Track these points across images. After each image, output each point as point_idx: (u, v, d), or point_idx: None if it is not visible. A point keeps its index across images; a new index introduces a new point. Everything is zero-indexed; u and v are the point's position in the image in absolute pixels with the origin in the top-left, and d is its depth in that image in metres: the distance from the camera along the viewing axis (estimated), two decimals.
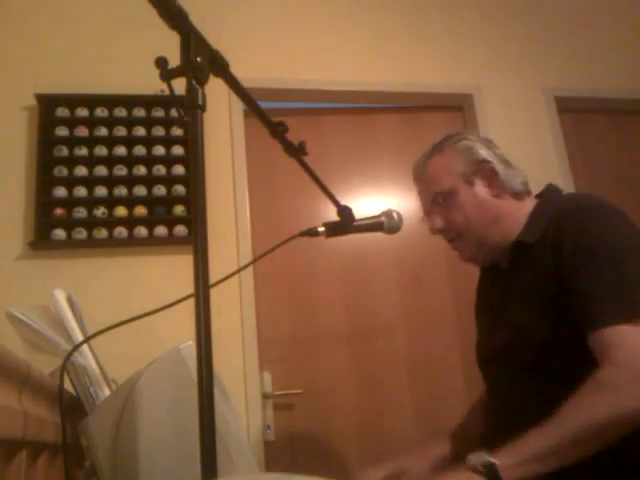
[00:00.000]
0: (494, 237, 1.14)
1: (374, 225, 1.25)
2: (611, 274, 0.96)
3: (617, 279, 0.95)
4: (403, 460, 1.19)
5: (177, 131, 2.37)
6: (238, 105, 2.45)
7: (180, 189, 2.31)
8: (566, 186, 2.53)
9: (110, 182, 2.27)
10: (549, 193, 1.19)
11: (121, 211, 2.24)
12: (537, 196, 1.21)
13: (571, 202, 1.09)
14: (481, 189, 1.15)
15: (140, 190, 2.27)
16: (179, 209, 2.29)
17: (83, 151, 2.27)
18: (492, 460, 0.85)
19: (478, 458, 0.86)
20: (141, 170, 2.29)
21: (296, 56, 2.62)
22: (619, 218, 1.04)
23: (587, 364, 0.96)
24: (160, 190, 2.29)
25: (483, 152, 1.16)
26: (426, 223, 1.22)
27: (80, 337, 1.01)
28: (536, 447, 0.86)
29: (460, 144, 1.18)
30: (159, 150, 2.33)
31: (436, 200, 1.17)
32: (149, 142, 2.34)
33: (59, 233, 2.16)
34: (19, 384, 0.75)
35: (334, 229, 1.21)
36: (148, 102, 2.35)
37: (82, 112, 2.31)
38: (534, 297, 1.05)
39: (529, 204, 1.17)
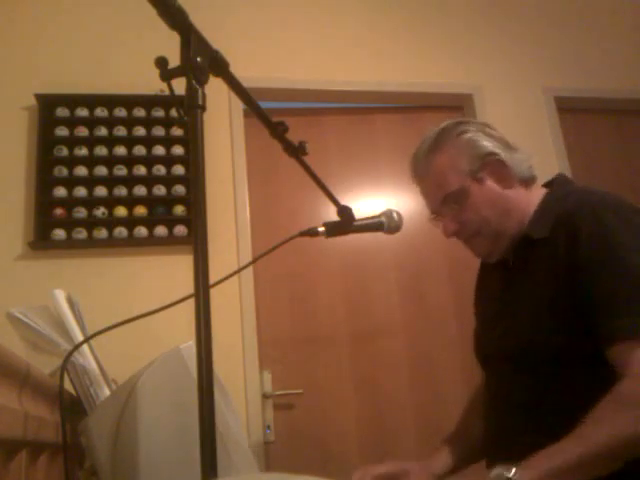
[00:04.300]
0: (510, 229, 1.10)
1: (374, 225, 1.24)
2: (630, 284, 0.92)
3: (637, 289, 0.91)
4: (405, 464, 1.13)
5: (177, 131, 2.37)
6: (238, 105, 2.45)
7: (180, 189, 2.31)
8: None
9: (110, 182, 2.27)
10: (559, 185, 1.14)
11: (121, 211, 2.24)
12: (545, 185, 1.17)
13: (587, 201, 1.02)
14: (491, 184, 1.10)
15: (140, 190, 2.27)
16: (179, 209, 2.29)
17: (83, 151, 2.27)
18: (510, 476, 0.81)
19: (501, 471, 0.82)
20: (141, 170, 2.29)
21: (296, 56, 2.62)
22: (638, 218, 0.98)
23: (595, 370, 0.95)
24: (160, 190, 2.29)
25: (487, 143, 1.11)
26: (436, 223, 1.18)
27: (80, 337, 1.01)
28: (557, 462, 0.82)
29: (462, 138, 1.12)
30: (159, 150, 2.33)
31: (446, 202, 1.12)
32: (149, 142, 2.34)
33: (59, 233, 2.16)
34: (19, 384, 0.75)
35: (334, 229, 1.20)
36: (148, 102, 2.35)
37: (82, 112, 2.31)
38: (543, 298, 1.01)
39: (537, 193, 1.12)
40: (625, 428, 0.83)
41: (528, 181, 1.14)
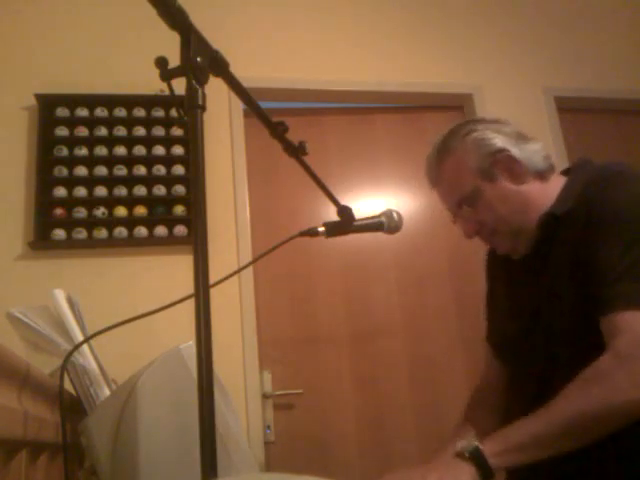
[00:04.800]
0: (529, 225, 1.07)
1: (374, 225, 1.24)
2: (627, 255, 0.90)
3: (633, 261, 0.89)
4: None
5: (177, 131, 2.37)
6: (238, 105, 2.45)
7: (180, 189, 2.31)
8: None
9: (110, 182, 2.27)
10: (579, 166, 1.12)
11: (121, 211, 2.24)
12: (565, 171, 1.15)
13: (602, 175, 1.02)
14: (504, 181, 1.08)
15: (140, 190, 2.27)
16: (179, 209, 2.29)
17: (83, 151, 2.27)
18: (478, 445, 0.82)
19: (465, 443, 0.83)
20: (141, 170, 2.29)
21: (296, 56, 2.62)
22: None
23: None
24: (160, 190, 2.29)
25: (496, 140, 1.09)
26: (457, 225, 1.17)
27: (80, 337, 1.01)
28: (524, 435, 0.83)
29: (469, 138, 1.10)
30: (159, 150, 2.33)
31: (462, 205, 1.12)
32: (149, 142, 2.34)
33: (59, 233, 2.16)
34: (19, 384, 0.75)
35: (334, 229, 1.21)
36: (148, 102, 2.35)
37: (82, 112, 2.31)
38: (569, 280, 0.98)
39: (555, 184, 1.10)
40: (592, 403, 0.82)
41: (544, 173, 1.11)
